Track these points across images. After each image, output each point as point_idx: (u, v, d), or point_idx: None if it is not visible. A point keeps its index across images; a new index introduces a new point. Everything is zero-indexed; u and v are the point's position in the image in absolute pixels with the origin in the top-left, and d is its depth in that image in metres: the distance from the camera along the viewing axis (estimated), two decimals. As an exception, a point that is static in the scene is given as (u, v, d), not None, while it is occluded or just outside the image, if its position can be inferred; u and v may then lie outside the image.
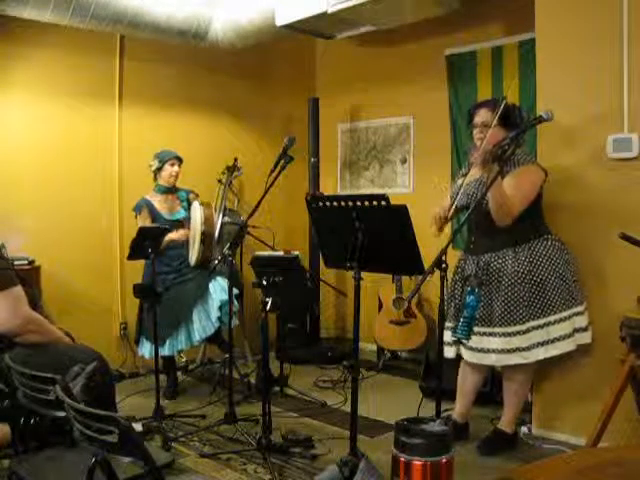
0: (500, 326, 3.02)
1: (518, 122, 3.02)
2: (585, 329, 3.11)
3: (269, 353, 3.35)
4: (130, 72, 4.86)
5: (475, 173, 3.15)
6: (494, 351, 3.04)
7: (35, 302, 2.70)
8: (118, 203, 4.81)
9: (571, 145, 3.26)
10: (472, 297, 3.05)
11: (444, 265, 2.57)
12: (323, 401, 4.06)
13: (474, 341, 3.07)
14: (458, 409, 3.36)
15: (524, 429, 3.42)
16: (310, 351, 5.18)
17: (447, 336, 3.20)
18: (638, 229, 2.73)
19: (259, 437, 3.18)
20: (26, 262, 4.15)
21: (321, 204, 2.72)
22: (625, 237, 2.63)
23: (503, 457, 3.12)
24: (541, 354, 3.02)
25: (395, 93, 5.32)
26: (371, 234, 2.54)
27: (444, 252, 2.56)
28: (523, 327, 3.00)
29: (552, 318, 3.02)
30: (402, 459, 2.32)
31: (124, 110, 4.86)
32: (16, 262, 3.84)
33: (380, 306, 4.94)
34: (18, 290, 2.51)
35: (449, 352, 3.21)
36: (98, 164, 4.74)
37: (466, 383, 3.33)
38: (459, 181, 3.24)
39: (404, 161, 5.37)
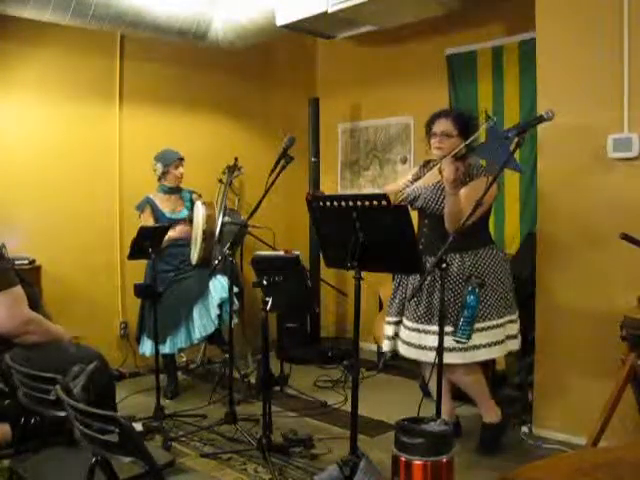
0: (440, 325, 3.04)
1: (473, 130, 3.12)
2: (515, 337, 3.20)
3: (269, 353, 3.35)
4: (130, 72, 4.86)
5: (432, 178, 3.18)
6: (432, 349, 3.05)
7: (36, 302, 2.70)
8: (118, 203, 4.81)
9: (571, 145, 3.26)
10: (472, 297, 3.06)
11: (444, 265, 2.57)
12: (323, 401, 4.06)
13: (414, 337, 3.14)
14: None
15: (524, 429, 3.42)
16: (310, 351, 5.18)
17: (387, 330, 3.30)
18: (638, 229, 2.73)
19: (259, 437, 3.18)
20: (26, 262, 4.15)
21: (321, 204, 2.71)
22: (625, 237, 2.64)
23: (503, 457, 3.13)
24: (480, 356, 3.08)
25: (395, 93, 5.32)
26: (371, 234, 2.54)
27: (444, 252, 2.56)
28: None
29: (491, 323, 3.08)
30: (402, 459, 2.31)
31: (124, 110, 4.86)
32: (16, 262, 3.83)
33: (380, 306, 4.93)
34: (18, 290, 2.50)
35: (386, 346, 3.31)
36: (98, 164, 4.74)
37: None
38: (414, 184, 3.27)
39: (404, 161, 5.38)
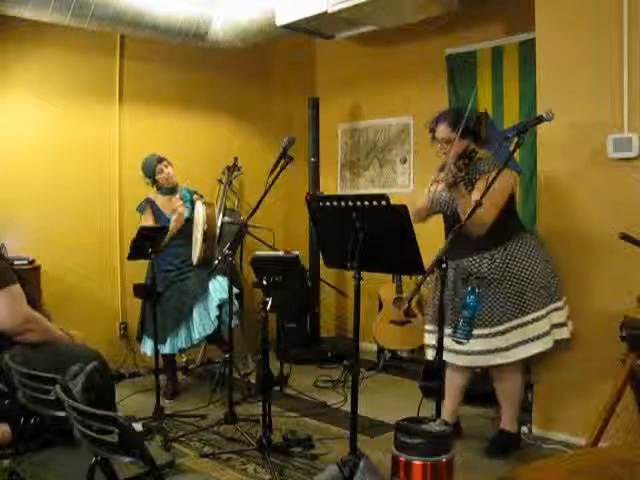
0: (480, 328, 3.03)
1: (477, 129, 3.14)
2: (564, 324, 3.15)
3: (269, 353, 3.35)
4: (130, 72, 4.87)
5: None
6: (476, 353, 3.07)
7: (35, 301, 2.70)
8: (118, 203, 4.81)
9: (571, 145, 3.26)
10: (472, 297, 3.04)
11: (444, 265, 2.57)
12: (323, 401, 4.06)
13: (456, 345, 3.09)
14: (447, 409, 3.36)
15: (524, 429, 3.41)
16: (310, 351, 5.18)
17: (429, 339, 3.26)
18: (638, 229, 2.73)
19: (259, 437, 3.18)
20: (26, 262, 4.14)
21: (321, 204, 2.72)
22: (625, 237, 2.63)
23: (503, 457, 3.12)
24: (521, 353, 3.06)
25: (395, 93, 5.32)
26: (371, 234, 2.54)
27: (444, 252, 2.56)
28: (501, 328, 3.05)
29: (528, 318, 3.06)
30: (402, 459, 2.31)
31: (124, 110, 4.86)
32: (16, 262, 3.83)
33: (380, 306, 4.93)
34: (17, 288, 2.51)
35: (431, 355, 3.23)
36: (98, 164, 4.74)
37: (451, 384, 3.33)
38: (432, 187, 3.24)
39: (404, 161, 5.38)
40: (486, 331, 3.05)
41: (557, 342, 3.12)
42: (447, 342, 3.14)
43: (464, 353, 3.09)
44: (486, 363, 3.11)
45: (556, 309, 3.12)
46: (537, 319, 3.06)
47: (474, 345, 3.05)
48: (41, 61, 4.45)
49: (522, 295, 3.05)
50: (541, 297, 3.07)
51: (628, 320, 2.60)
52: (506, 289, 3.05)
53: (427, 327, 3.34)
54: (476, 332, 3.03)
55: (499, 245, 3.09)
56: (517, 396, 3.26)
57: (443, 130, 3.14)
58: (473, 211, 2.66)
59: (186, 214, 4.30)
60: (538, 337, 3.05)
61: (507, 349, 3.04)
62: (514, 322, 3.04)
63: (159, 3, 4.29)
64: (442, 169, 3.18)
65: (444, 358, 3.15)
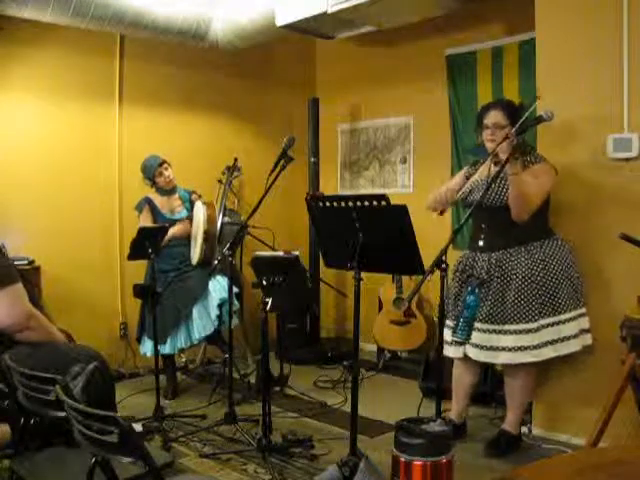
0: (512, 323, 3.01)
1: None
2: (588, 331, 3.13)
3: (269, 353, 3.35)
4: (130, 72, 4.87)
5: (486, 173, 3.14)
6: (504, 349, 3.03)
7: (34, 301, 2.70)
8: (118, 203, 4.81)
9: (571, 145, 3.26)
10: (472, 297, 3.05)
11: (444, 265, 2.57)
12: (323, 401, 4.06)
13: (483, 339, 3.07)
14: (455, 409, 3.36)
15: (524, 429, 3.41)
16: (310, 351, 5.18)
17: (448, 335, 3.19)
18: (638, 229, 2.73)
19: (259, 437, 3.18)
20: (26, 262, 4.15)
21: (321, 204, 2.72)
22: (625, 237, 2.63)
23: (502, 457, 3.12)
24: (551, 353, 3.02)
25: (395, 93, 5.32)
26: (371, 234, 2.54)
27: (444, 252, 2.56)
28: (534, 325, 3.00)
29: (563, 317, 3.03)
30: (402, 459, 2.32)
31: (124, 110, 4.86)
32: (16, 262, 3.82)
33: (380, 306, 4.93)
34: (19, 287, 2.51)
35: (456, 352, 3.19)
36: (98, 164, 4.74)
37: (460, 383, 3.33)
38: (472, 178, 3.20)
39: (404, 161, 5.37)
40: (520, 327, 3.00)
41: (584, 348, 3.10)
42: (475, 338, 3.09)
43: (492, 349, 3.06)
44: (514, 361, 3.04)
45: (582, 314, 3.10)
46: (570, 320, 3.04)
47: (503, 341, 3.02)
48: (41, 61, 4.44)
49: (556, 294, 3.02)
50: (572, 299, 3.05)
51: (628, 320, 2.60)
52: (540, 286, 3.02)
53: (447, 322, 3.23)
54: (508, 327, 3.01)
55: (535, 240, 3.07)
56: (526, 398, 3.25)
57: (496, 115, 3.10)
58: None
59: (184, 214, 4.31)
60: (569, 338, 3.03)
61: (537, 347, 2.99)
62: (548, 320, 3.01)
63: (159, 3, 4.29)
64: (496, 163, 3.12)
65: (467, 353, 3.15)
